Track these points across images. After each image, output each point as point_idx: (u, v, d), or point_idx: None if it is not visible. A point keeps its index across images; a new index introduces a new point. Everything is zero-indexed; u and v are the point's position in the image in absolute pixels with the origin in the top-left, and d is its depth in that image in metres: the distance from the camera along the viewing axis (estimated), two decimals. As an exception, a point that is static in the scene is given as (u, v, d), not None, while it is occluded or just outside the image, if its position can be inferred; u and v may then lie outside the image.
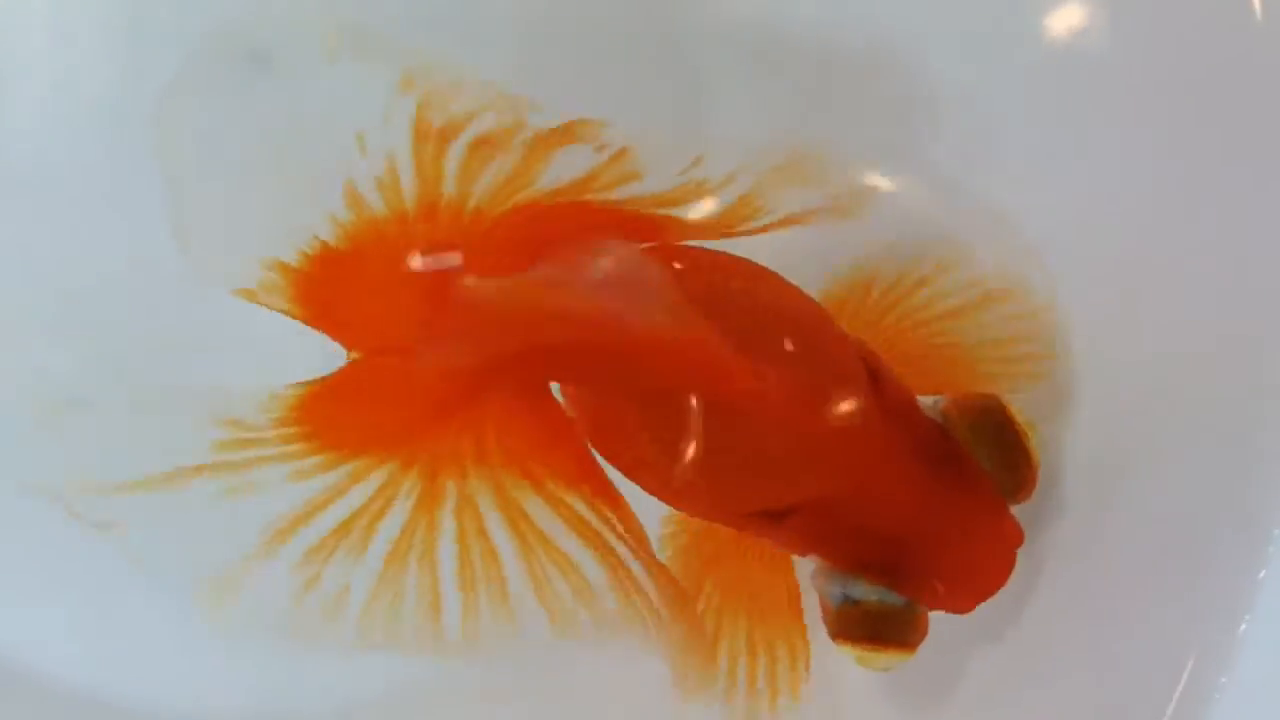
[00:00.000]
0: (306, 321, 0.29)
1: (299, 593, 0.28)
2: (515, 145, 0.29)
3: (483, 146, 0.28)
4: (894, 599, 0.30)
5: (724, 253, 0.31)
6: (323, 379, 0.29)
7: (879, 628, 0.30)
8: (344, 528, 0.28)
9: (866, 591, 0.30)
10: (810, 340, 0.30)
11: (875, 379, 0.31)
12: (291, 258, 0.28)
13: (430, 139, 0.28)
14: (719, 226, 0.31)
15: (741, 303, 0.30)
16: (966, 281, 0.33)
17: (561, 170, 0.29)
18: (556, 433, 0.30)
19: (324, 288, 0.28)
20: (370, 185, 0.28)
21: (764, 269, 0.31)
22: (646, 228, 0.31)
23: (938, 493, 0.30)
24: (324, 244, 0.28)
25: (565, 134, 0.29)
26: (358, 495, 0.29)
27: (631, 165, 0.30)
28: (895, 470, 0.30)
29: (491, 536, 0.29)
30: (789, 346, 0.30)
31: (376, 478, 0.29)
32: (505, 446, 0.29)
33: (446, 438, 0.29)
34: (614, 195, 0.30)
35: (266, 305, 0.28)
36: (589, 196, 0.30)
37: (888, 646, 0.30)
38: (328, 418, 0.29)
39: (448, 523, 0.29)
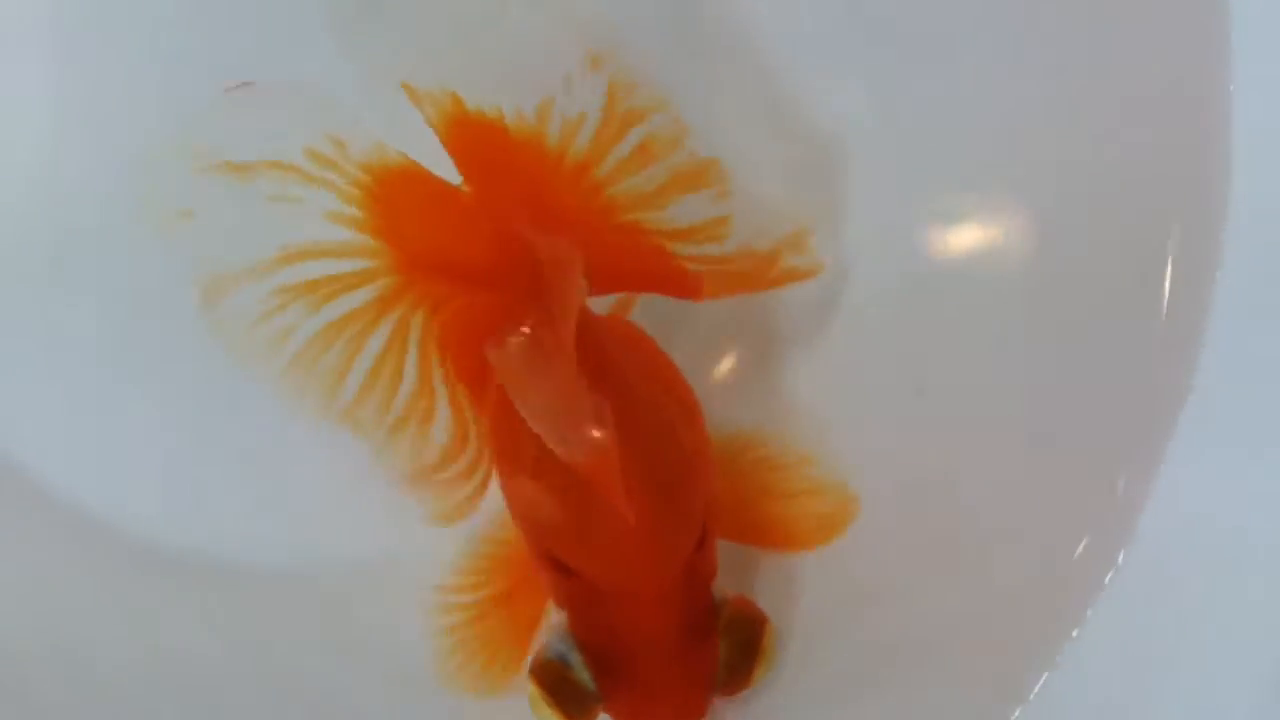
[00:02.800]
0: (445, 144, 0.32)
1: (260, 316, 0.32)
2: (666, 165, 0.33)
3: (645, 150, 0.32)
4: (590, 686, 0.33)
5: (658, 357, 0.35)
6: (423, 170, 0.32)
7: (565, 693, 0.33)
8: (319, 283, 0.32)
9: (579, 665, 0.33)
10: (677, 483, 0.33)
11: (704, 537, 0.34)
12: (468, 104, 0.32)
13: (616, 118, 0.32)
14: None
15: (647, 421, 0.33)
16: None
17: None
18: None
19: (476, 135, 0.32)
20: (559, 116, 0.31)
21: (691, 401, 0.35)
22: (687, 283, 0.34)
23: (670, 650, 0.33)
24: (500, 113, 0.32)
25: (705, 172, 0.33)
26: (351, 264, 0.32)
27: (729, 226, 0.33)
28: (663, 613, 0.33)
29: (404, 365, 0.33)
30: (662, 478, 0.33)
31: (373, 262, 0.33)
32: (465, 329, 0.33)
33: (443, 284, 0.33)
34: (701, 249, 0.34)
35: (421, 111, 0.32)
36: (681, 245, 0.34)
37: (559, 710, 0.33)
38: (396, 198, 0.32)
39: (385, 329, 0.33)
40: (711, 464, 0.35)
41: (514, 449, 0.33)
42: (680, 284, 0.34)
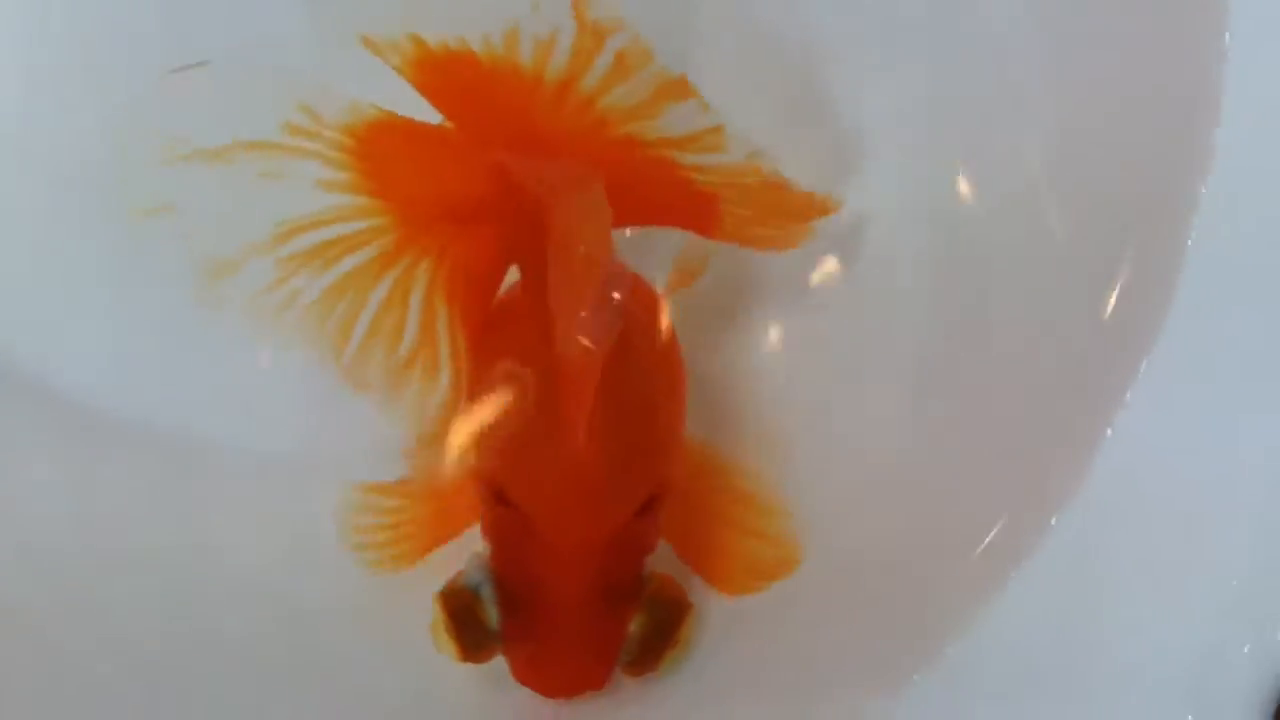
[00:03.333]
0: (417, 87, 0.31)
1: (269, 284, 0.32)
2: (644, 78, 0.31)
3: (622, 63, 0.31)
4: (494, 625, 0.32)
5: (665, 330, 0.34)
6: (402, 118, 0.32)
7: (468, 626, 0.32)
8: (321, 249, 0.32)
9: (489, 600, 0.32)
10: (639, 445, 0.33)
11: (650, 507, 0.33)
12: (432, 40, 0.31)
13: (589, 28, 0.30)
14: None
15: (633, 378, 0.32)
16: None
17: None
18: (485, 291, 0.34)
19: (448, 72, 0.31)
20: (530, 39, 0.30)
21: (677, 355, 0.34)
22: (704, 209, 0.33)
23: (584, 608, 0.32)
24: (465, 45, 0.30)
25: (683, 84, 0.31)
26: (351, 228, 0.32)
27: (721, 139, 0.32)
28: (587, 566, 0.32)
29: (405, 319, 0.33)
30: (626, 435, 0.32)
31: (373, 220, 0.32)
32: (472, 270, 0.33)
33: (447, 229, 0.33)
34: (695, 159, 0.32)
35: (387, 61, 0.31)
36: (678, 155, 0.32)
37: (456, 640, 0.32)
38: (381, 152, 0.32)
39: (388, 283, 0.33)
40: (680, 448, 0.34)
41: (490, 365, 0.33)
42: (696, 204, 0.33)
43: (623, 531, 0.32)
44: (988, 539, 0.32)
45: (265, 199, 0.32)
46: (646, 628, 0.33)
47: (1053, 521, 0.31)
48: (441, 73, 0.31)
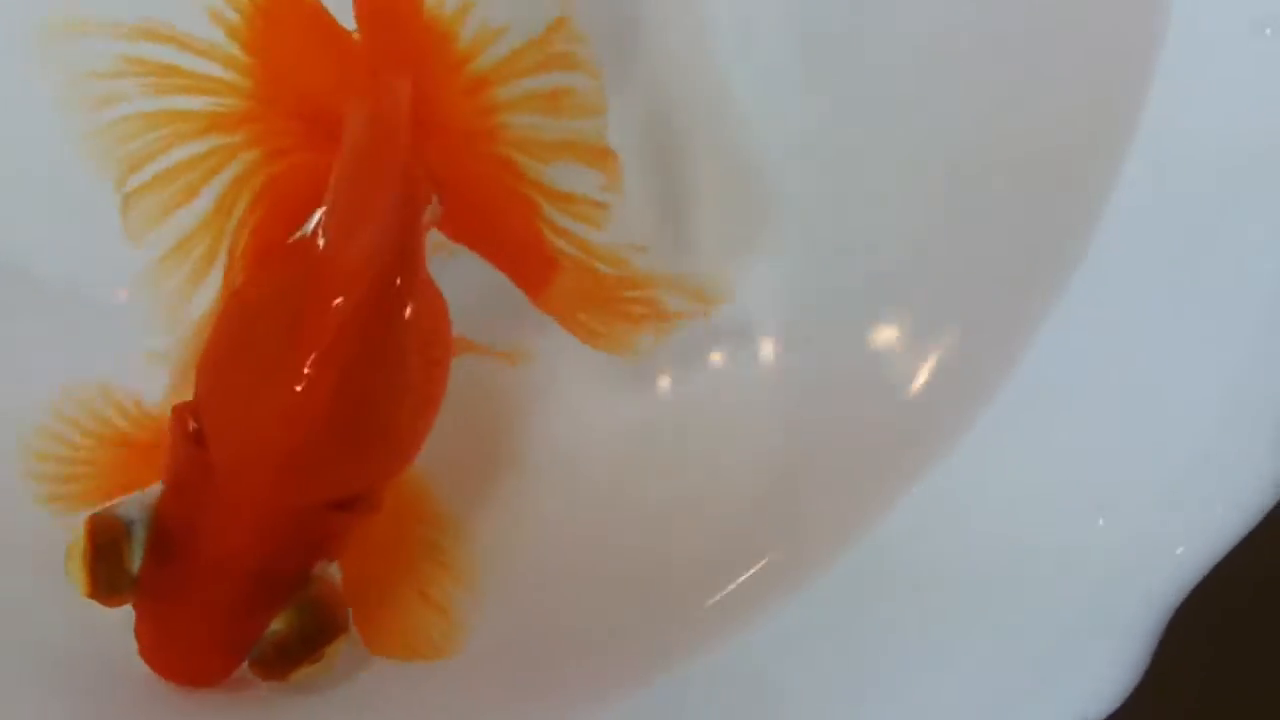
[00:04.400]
0: None
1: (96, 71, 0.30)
2: (567, 127, 0.30)
3: (555, 100, 0.30)
4: (133, 571, 0.30)
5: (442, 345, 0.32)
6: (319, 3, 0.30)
7: (106, 562, 0.29)
8: (170, 69, 0.30)
9: (138, 541, 0.30)
10: (365, 434, 0.30)
11: (351, 508, 0.30)
12: None
13: (542, 49, 0.29)
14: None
15: (393, 360, 0.30)
16: None
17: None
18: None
19: None
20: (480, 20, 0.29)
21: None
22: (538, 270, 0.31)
23: (231, 583, 0.30)
24: None
25: (605, 158, 0.30)
26: (209, 69, 0.31)
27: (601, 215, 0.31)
28: (249, 534, 0.29)
29: (200, 190, 0.31)
30: (358, 417, 0.30)
31: (234, 76, 0.31)
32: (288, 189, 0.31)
33: (291, 131, 0.31)
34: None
35: None
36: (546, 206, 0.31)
37: (89, 573, 0.30)
38: (281, 18, 0.30)
39: (207, 145, 0.31)
40: (404, 466, 0.31)
41: (253, 290, 0.31)
42: (534, 260, 0.31)
43: (309, 516, 0.30)
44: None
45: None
46: (290, 630, 0.30)
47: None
48: None
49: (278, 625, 0.30)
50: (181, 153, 0.31)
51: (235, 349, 0.30)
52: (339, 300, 0.28)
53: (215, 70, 0.30)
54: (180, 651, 0.31)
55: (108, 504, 0.30)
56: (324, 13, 0.30)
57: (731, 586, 0.32)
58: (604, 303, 0.32)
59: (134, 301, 0.32)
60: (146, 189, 0.31)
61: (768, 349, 0.35)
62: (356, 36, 0.30)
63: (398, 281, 0.29)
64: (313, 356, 0.28)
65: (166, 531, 0.29)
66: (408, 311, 0.30)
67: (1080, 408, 0.31)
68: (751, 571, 0.33)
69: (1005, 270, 0.33)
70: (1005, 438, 0.31)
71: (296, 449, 0.29)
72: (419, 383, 0.31)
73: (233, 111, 0.31)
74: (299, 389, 0.28)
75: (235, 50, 0.30)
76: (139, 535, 0.29)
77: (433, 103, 0.30)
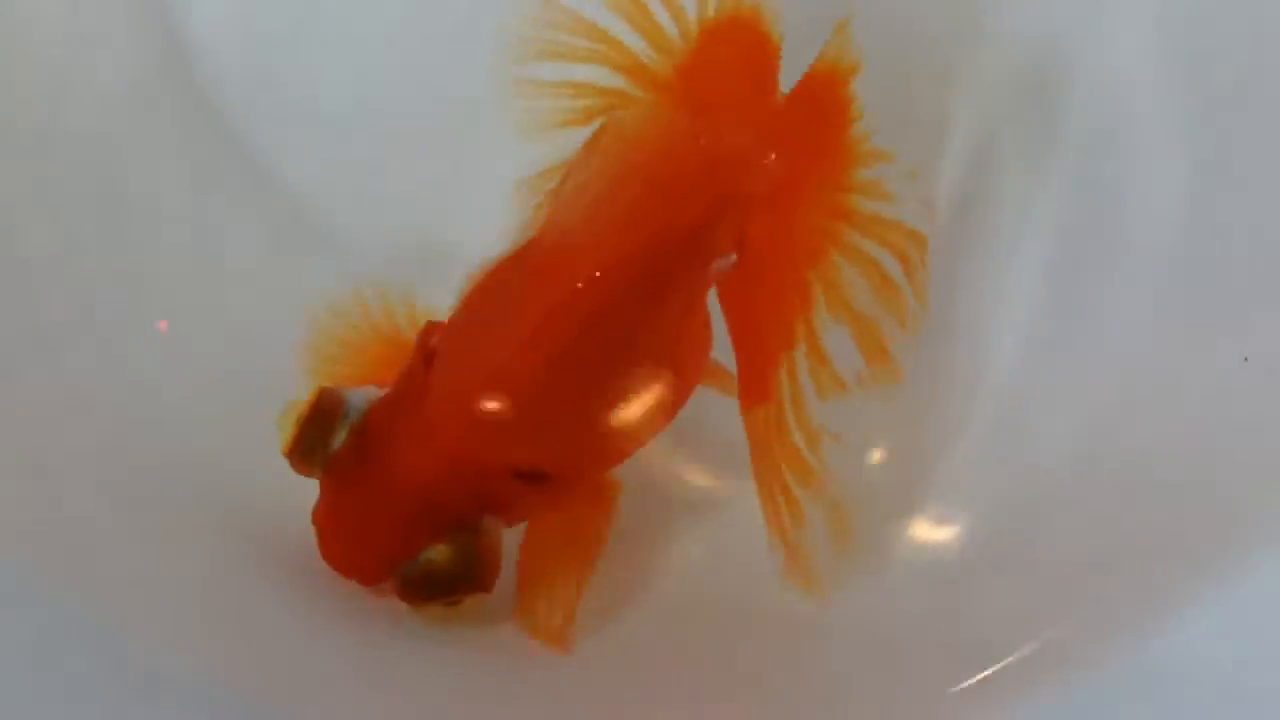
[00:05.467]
0: (810, 78, 0.33)
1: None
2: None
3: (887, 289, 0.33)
4: (331, 450, 0.32)
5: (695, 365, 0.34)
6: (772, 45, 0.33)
7: (313, 431, 0.32)
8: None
9: (347, 428, 0.32)
10: (594, 417, 0.32)
11: (547, 481, 0.32)
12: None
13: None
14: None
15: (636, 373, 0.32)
16: None
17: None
18: None
19: (829, 88, 0.33)
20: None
21: None
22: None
23: (406, 499, 0.32)
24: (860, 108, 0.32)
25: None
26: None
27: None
28: (437, 465, 0.32)
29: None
30: (584, 398, 0.32)
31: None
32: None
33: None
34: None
35: (829, 55, 0.33)
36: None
37: (298, 431, 0.32)
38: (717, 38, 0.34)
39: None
40: (598, 468, 0.34)
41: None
42: (753, 375, 0.33)
43: (490, 471, 0.32)
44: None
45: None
46: (441, 562, 0.32)
47: None
48: (825, 84, 0.32)
49: (433, 555, 0.31)
50: (593, 73, 0.34)
51: (496, 289, 0.32)
52: (578, 287, 0.31)
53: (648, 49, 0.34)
54: (344, 535, 0.32)
55: (343, 385, 0.32)
56: (774, 59, 0.32)
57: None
58: (766, 469, 0.33)
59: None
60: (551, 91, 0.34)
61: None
62: (781, 98, 0.33)
63: (651, 298, 0.32)
64: (530, 335, 0.31)
65: (372, 428, 0.32)
66: (658, 331, 0.32)
67: None
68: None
69: None
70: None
71: (502, 410, 0.31)
72: (643, 399, 0.33)
73: (654, 72, 0.33)
74: (513, 358, 0.31)
75: (677, 39, 0.33)
76: (351, 422, 0.32)
77: (802, 191, 0.32)
